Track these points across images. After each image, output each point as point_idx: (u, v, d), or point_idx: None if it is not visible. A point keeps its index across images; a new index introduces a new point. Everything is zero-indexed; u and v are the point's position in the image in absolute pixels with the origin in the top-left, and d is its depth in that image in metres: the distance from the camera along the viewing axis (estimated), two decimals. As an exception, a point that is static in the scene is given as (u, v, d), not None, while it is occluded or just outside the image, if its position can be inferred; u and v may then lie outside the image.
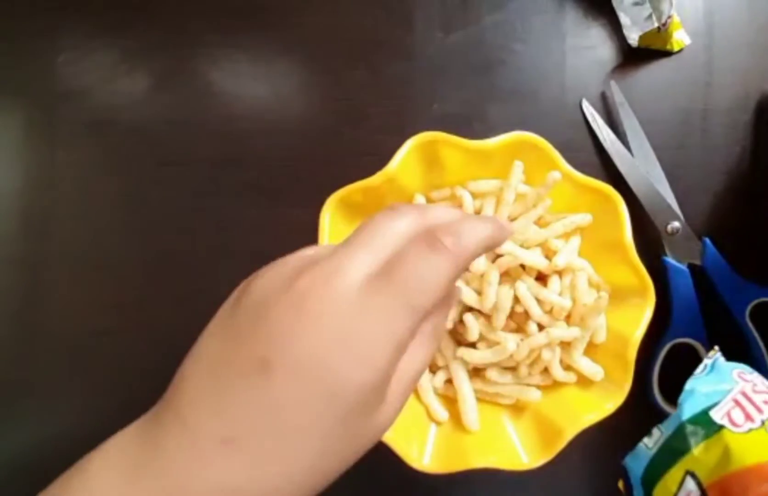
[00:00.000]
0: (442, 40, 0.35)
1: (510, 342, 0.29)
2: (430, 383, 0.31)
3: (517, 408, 0.31)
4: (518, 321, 0.31)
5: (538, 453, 0.29)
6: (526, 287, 0.29)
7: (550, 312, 0.30)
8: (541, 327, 0.30)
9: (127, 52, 0.34)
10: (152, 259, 0.34)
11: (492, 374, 0.30)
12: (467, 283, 0.30)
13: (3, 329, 0.34)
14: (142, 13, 0.34)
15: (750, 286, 0.33)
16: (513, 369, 0.31)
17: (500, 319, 0.29)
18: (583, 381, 0.31)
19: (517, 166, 0.28)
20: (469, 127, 0.34)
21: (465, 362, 0.30)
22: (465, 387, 0.30)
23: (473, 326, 0.29)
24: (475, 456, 0.29)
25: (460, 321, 0.31)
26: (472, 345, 0.31)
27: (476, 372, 0.32)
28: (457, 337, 0.31)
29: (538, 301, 0.29)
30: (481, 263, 0.29)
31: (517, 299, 0.30)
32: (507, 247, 0.29)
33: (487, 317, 0.30)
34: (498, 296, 0.29)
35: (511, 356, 0.29)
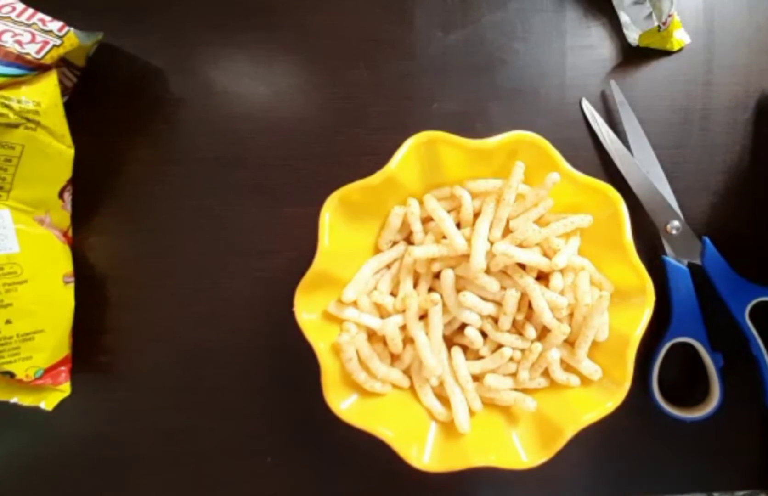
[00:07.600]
0: (442, 39, 0.35)
1: (507, 349, 0.29)
2: (429, 384, 0.31)
3: (517, 407, 0.31)
4: (518, 327, 0.31)
5: (538, 452, 0.29)
6: (533, 279, 0.29)
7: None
8: (543, 330, 0.30)
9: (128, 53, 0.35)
10: (152, 258, 0.34)
11: (490, 379, 0.30)
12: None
13: None
14: (142, 13, 0.34)
15: (749, 285, 0.33)
16: (512, 375, 0.31)
17: (506, 322, 0.29)
18: (583, 380, 0.31)
19: (519, 167, 0.28)
20: (469, 127, 0.34)
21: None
22: (456, 396, 0.30)
23: (477, 339, 0.29)
24: (474, 455, 0.29)
25: (459, 330, 0.31)
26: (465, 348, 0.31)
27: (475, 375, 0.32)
28: (454, 342, 0.32)
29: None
30: (480, 262, 0.28)
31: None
32: (502, 247, 0.29)
33: (494, 319, 0.30)
34: (504, 298, 0.29)
35: (511, 358, 0.29)
